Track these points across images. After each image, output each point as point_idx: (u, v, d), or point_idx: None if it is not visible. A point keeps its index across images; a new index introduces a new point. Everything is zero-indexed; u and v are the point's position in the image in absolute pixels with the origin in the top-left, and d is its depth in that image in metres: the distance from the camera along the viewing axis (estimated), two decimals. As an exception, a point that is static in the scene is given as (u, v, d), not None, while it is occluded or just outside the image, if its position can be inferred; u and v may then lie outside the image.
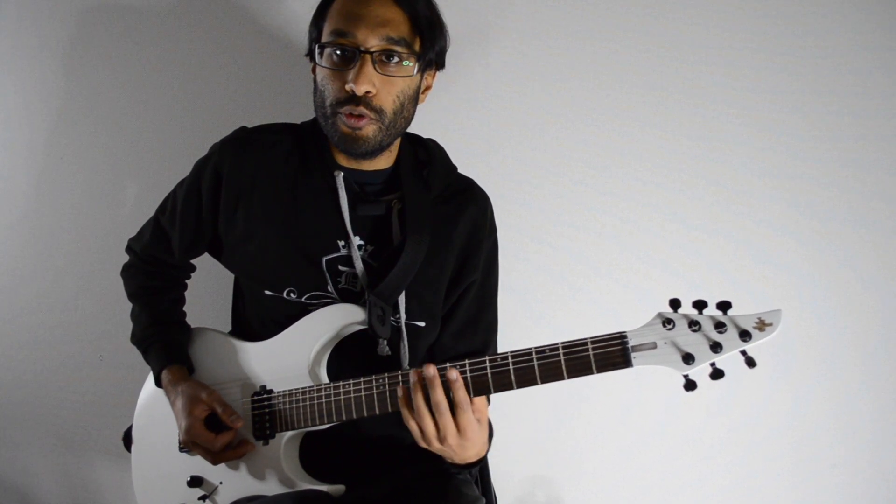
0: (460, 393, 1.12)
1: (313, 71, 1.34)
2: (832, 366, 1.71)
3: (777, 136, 1.70)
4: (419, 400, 1.13)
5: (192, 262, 1.57)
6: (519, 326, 1.76)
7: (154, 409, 1.46)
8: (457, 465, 1.25)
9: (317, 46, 1.26)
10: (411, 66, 1.26)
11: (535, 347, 1.12)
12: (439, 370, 1.14)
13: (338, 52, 1.23)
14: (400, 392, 1.16)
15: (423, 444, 1.17)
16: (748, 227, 1.72)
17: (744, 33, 1.70)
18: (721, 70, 1.71)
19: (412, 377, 1.15)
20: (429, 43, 1.29)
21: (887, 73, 1.65)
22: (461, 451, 1.16)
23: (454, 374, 1.13)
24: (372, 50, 1.21)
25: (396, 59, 1.23)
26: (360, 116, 1.23)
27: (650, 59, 1.73)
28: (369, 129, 1.24)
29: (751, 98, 1.70)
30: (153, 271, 1.52)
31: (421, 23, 1.27)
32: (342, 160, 1.36)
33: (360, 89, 1.20)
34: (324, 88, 1.26)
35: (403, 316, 1.31)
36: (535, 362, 1.12)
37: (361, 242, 1.33)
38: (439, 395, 1.12)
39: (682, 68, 1.72)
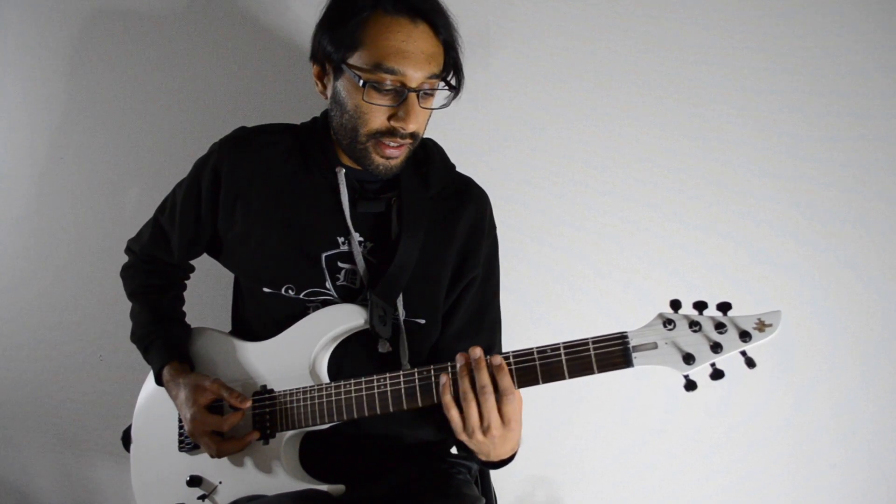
0: (506, 380, 1.10)
1: (318, 76, 1.32)
2: (832, 366, 1.71)
3: (777, 136, 1.70)
4: (466, 384, 1.11)
5: (192, 262, 1.57)
6: (519, 326, 1.76)
7: (154, 408, 1.46)
8: (487, 462, 1.23)
9: (354, 74, 1.20)
10: (442, 92, 1.28)
11: (537, 347, 1.12)
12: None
13: (377, 83, 1.20)
14: (443, 379, 1.14)
15: (462, 437, 1.14)
16: (748, 227, 1.72)
17: (744, 33, 1.70)
18: (721, 70, 1.71)
19: (459, 361, 1.13)
20: (455, 67, 1.31)
21: (887, 73, 1.65)
22: (502, 443, 1.14)
23: (499, 360, 1.12)
24: (418, 88, 1.22)
25: (433, 91, 1.25)
26: (397, 146, 1.25)
27: (650, 59, 1.73)
28: (403, 155, 1.28)
29: (751, 98, 1.70)
30: (153, 270, 1.53)
31: (453, 50, 1.28)
32: (344, 158, 1.36)
33: (411, 128, 1.23)
34: (357, 114, 1.24)
35: (402, 313, 1.32)
36: (537, 362, 1.12)
37: (361, 239, 1.34)
38: (485, 377, 1.10)
39: (682, 68, 1.72)
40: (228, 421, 1.28)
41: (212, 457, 1.30)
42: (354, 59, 1.21)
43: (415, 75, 1.20)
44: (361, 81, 1.19)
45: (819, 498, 1.75)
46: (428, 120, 1.32)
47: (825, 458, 1.74)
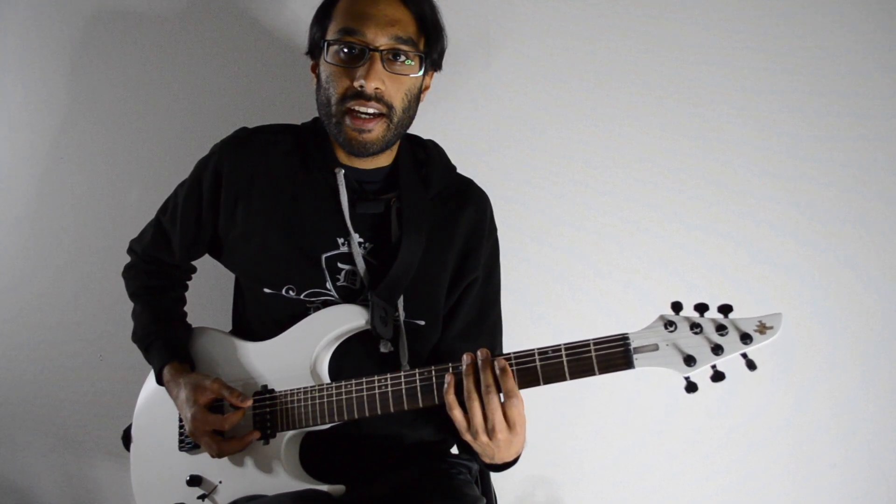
0: (509, 382, 1.10)
1: (313, 70, 1.36)
2: (832, 366, 1.72)
3: (777, 136, 1.70)
4: (470, 383, 1.11)
5: (193, 263, 1.57)
6: (519, 326, 1.76)
7: (154, 408, 1.46)
8: (492, 465, 1.22)
9: (325, 43, 1.27)
10: (416, 65, 1.28)
11: (538, 348, 1.13)
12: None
13: (345, 49, 1.25)
14: (448, 378, 1.14)
15: (466, 437, 1.14)
16: (748, 227, 1.72)
17: (744, 33, 1.70)
18: (721, 70, 1.71)
19: (465, 360, 1.13)
20: (433, 43, 1.33)
21: (887, 73, 1.65)
22: (507, 446, 1.14)
23: (503, 363, 1.12)
24: (381, 48, 1.23)
25: (403, 58, 1.26)
26: (368, 118, 1.25)
27: (650, 59, 1.73)
28: (378, 129, 1.27)
29: (751, 98, 1.70)
30: (154, 271, 1.53)
31: (427, 24, 1.30)
32: (342, 157, 1.36)
33: (371, 86, 1.23)
34: (329, 85, 1.27)
35: (402, 314, 1.32)
36: (538, 363, 1.12)
37: (361, 240, 1.34)
38: (490, 377, 1.11)
39: (682, 68, 1.72)
40: (229, 420, 1.28)
41: (212, 456, 1.30)
42: (329, 35, 1.27)
43: (376, 36, 1.23)
44: (331, 48, 1.25)
45: (819, 498, 1.76)
46: (411, 98, 1.30)
47: (825, 458, 1.75)
